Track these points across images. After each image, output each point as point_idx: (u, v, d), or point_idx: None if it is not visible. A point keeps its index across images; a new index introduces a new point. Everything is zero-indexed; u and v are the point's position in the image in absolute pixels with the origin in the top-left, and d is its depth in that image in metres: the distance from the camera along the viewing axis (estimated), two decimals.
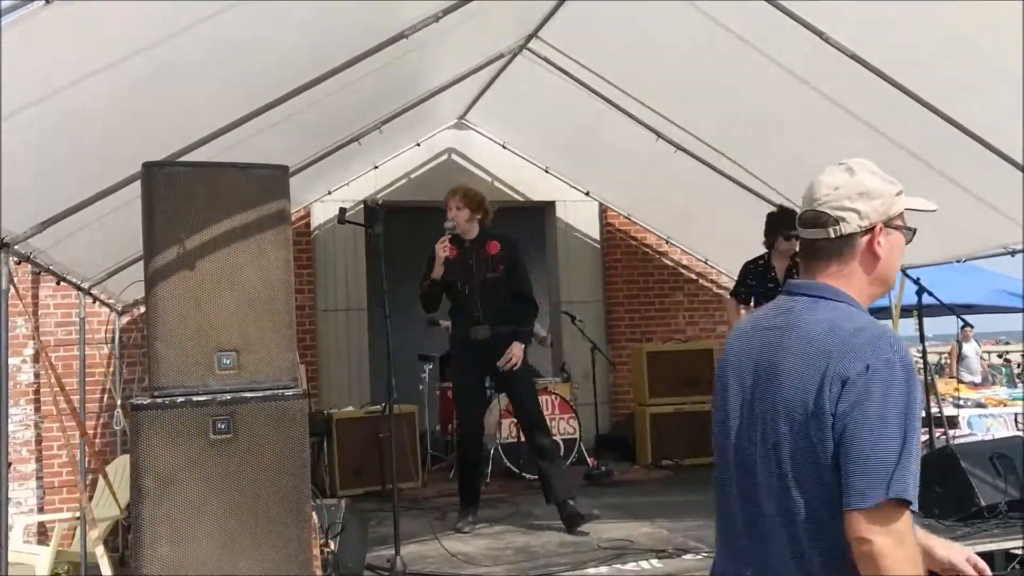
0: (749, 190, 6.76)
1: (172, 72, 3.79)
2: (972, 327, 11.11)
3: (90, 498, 5.81)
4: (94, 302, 6.12)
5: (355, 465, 6.88)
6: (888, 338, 1.55)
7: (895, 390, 1.50)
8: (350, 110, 5.72)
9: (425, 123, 7.68)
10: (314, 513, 3.63)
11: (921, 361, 6.01)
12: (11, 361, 5.54)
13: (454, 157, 8.56)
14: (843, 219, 1.65)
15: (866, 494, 1.47)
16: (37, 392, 7.11)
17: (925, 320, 6.24)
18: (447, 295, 5.41)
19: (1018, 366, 16.94)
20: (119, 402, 6.77)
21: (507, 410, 6.62)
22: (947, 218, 3.86)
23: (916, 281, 5.97)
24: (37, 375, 7.07)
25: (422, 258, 5.35)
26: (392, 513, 4.39)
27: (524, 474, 6.86)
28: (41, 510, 7.01)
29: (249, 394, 3.33)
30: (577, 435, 7.37)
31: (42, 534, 6.83)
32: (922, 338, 6.24)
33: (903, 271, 5.97)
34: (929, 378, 6.62)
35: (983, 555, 1.87)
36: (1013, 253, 6.01)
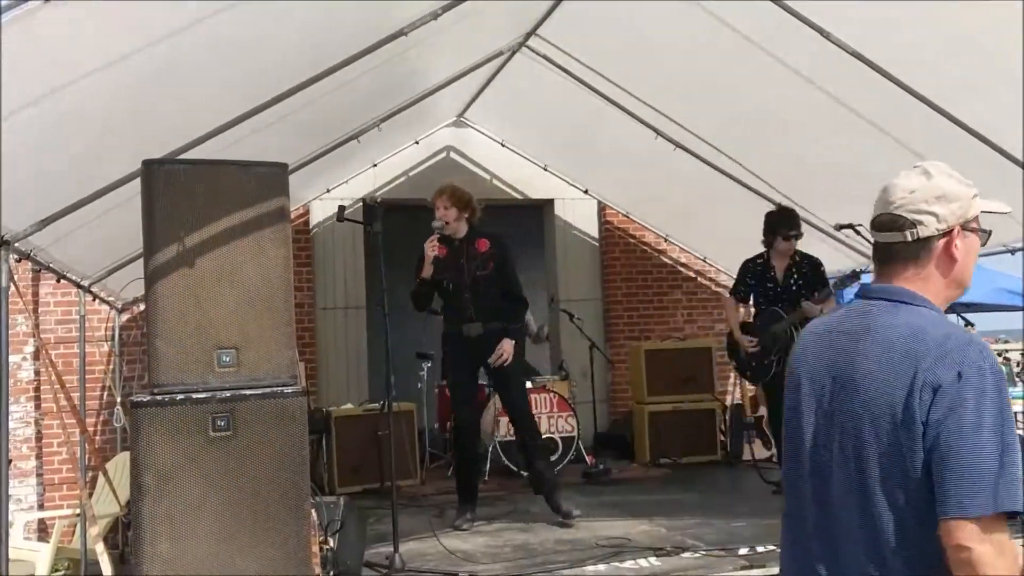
0: (749, 188, 6.76)
1: (171, 71, 3.80)
2: (973, 325, 11.08)
3: (90, 495, 5.82)
4: (94, 299, 6.13)
5: (354, 462, 6.88)
6: (977, 345, 1.53)
7: (987, 398, 1.49)
8: (349, 108, 5.72)
9: (424, 121, 7.68)
10: (313, 510, 3.63)
11: None
12: (11, 358, 5.57)
13: (453, 155, 8.55)
14: (921, 222, 1.64)
15: (964, 503, 1.44)
16: (37, 389, 7.11)
17: None
18: (438, 294, 5.44)
19: (1018, 365, 16.88)
20: (119, 399, 6.78)
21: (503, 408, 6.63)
22: None
23: None
24: (37, 372, 7.07)
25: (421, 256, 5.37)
26: (391, 510, 4.41)
27: (522, 472, 6.85)
28: (41, 507, 7.02)
29: (248, 391, 3.33)
30: (575, 433, 7.35)
31: (42, 531, 6.84)
32: None
33: None
34: None
35: None
36: (1013, 251, 6.00)
